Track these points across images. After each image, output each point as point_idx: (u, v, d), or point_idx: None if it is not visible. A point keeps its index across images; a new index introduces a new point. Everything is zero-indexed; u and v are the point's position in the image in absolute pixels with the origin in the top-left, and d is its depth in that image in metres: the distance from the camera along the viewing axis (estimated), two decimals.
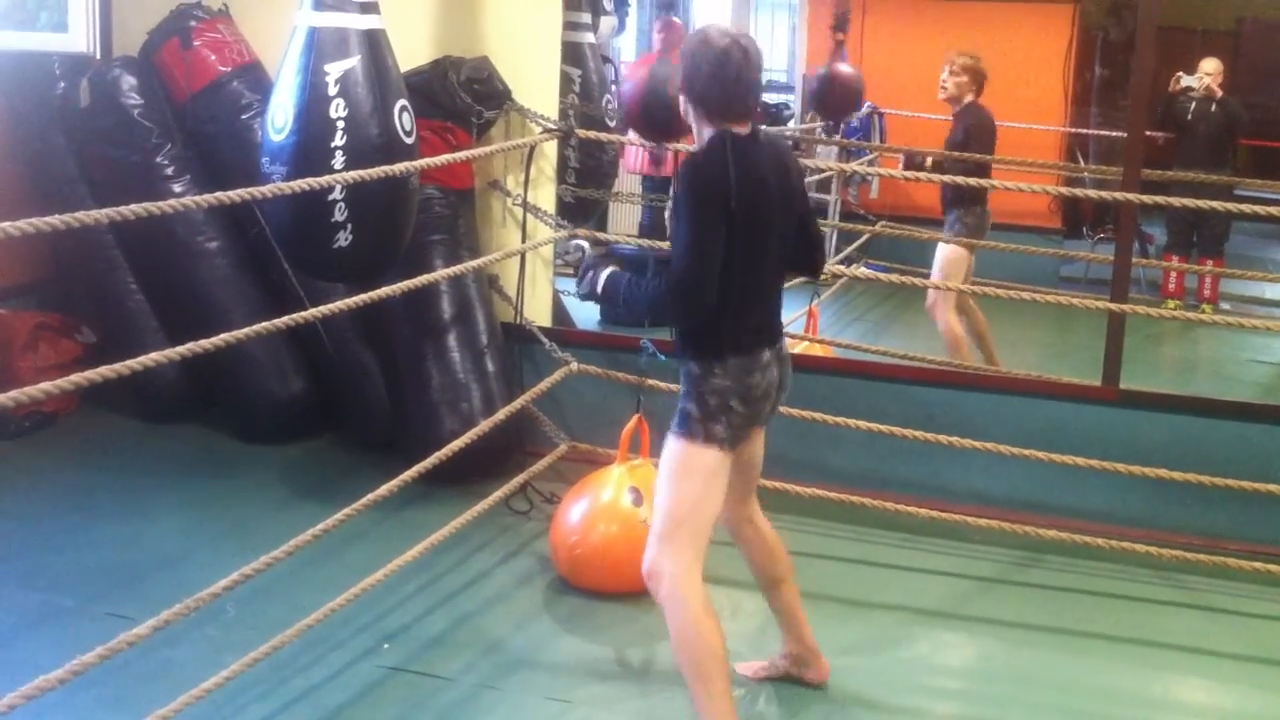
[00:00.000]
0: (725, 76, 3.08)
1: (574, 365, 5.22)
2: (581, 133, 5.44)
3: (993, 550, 4.71)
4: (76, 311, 5.95)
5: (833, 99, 8.84)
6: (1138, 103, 5.04)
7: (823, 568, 4.57)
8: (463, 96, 5.19)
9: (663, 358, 4.21)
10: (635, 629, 3.99)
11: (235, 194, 3.35)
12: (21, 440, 5.45)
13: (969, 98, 6.48)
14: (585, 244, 3.61)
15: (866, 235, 8.90)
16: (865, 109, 9.86)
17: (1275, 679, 3.94)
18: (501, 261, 5.33)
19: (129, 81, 5.45)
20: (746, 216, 3.06)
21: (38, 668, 2.74)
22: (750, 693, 3.65)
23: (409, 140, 4.34)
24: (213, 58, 5.44)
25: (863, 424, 4.79)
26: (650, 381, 4.78)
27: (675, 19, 7.96)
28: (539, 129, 5.39)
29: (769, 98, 11.76)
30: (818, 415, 4.85)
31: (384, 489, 3.91)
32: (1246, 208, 4.50)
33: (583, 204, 6.04)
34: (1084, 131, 10.47)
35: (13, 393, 2.53)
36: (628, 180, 8.28)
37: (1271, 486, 4.54)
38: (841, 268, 6.67)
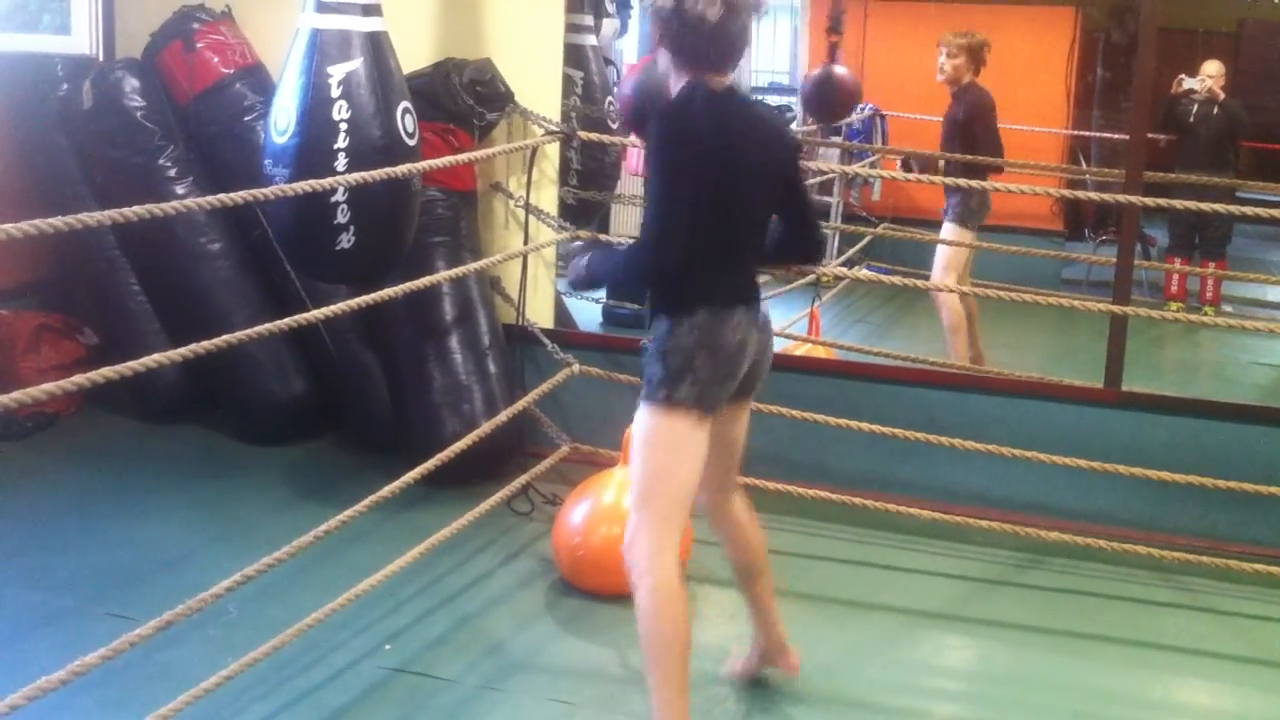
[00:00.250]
0: (702, 22, 2.99)
1: (576, 367, 5.23)
2: (584, 135, 5.45)
3: (994, 552, 4.71)
4: (78, 312, 5.96)
5: (825, 101, 8.82)
6: (1139, 105, 5.04)
7: (824, 569, 4.58)
8: (465, 98, 5.20)
9: None
10: (637, 630, 3.98)
11: (238, 196, 3.35)
12: (24, 441, 5.45)
13: (967, 78, 6.45)
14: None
15: (869, 237, 8.89)
16: (867, 111, 9.86)
17: (1277, 681, 3.93)
18: (503, 263, 5.34)
19: (131, 83, 5.46)
20: (716, 170, 3.00)
21: (39, 668, 2.74)
22: (748, 695, 3.65)
23: (411, 142, 4.35)
24: (215, 60, 5.44)
25: (864, 425, 4.79)
26: None
27: None
28: (541, 131, 5.40)
29: (770, 100, 11.78)
30: (819, 417, 4.85)
31: (385, 490, 3.91)
32: (1249, 210, 4.50)
33: (585, 206, 6.05)
34: (1086, 134, 10.47)
35: (15, 394, 2.54)
36: (630, 182, 8.28)
37: (1273, 488, 4.53)
38: (844, 269, 6.68)
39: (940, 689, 3.87)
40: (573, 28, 5.83)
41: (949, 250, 6.52)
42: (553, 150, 5.56)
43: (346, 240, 4.24)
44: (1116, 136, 9.69)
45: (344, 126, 4.15)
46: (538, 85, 5.46)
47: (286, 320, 3.56)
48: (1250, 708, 3.79)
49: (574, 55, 5.87)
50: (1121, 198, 4.69)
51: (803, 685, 3.70)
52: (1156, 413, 4.87)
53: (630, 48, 8.80)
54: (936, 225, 6.81)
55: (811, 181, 9.13)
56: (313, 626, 3.50)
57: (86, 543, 4.49)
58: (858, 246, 8.99)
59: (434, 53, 5.39)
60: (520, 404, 4.98)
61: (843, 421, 4.83)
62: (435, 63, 5.30)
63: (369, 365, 5.35)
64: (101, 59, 5.67)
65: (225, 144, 5.43)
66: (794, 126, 10.77)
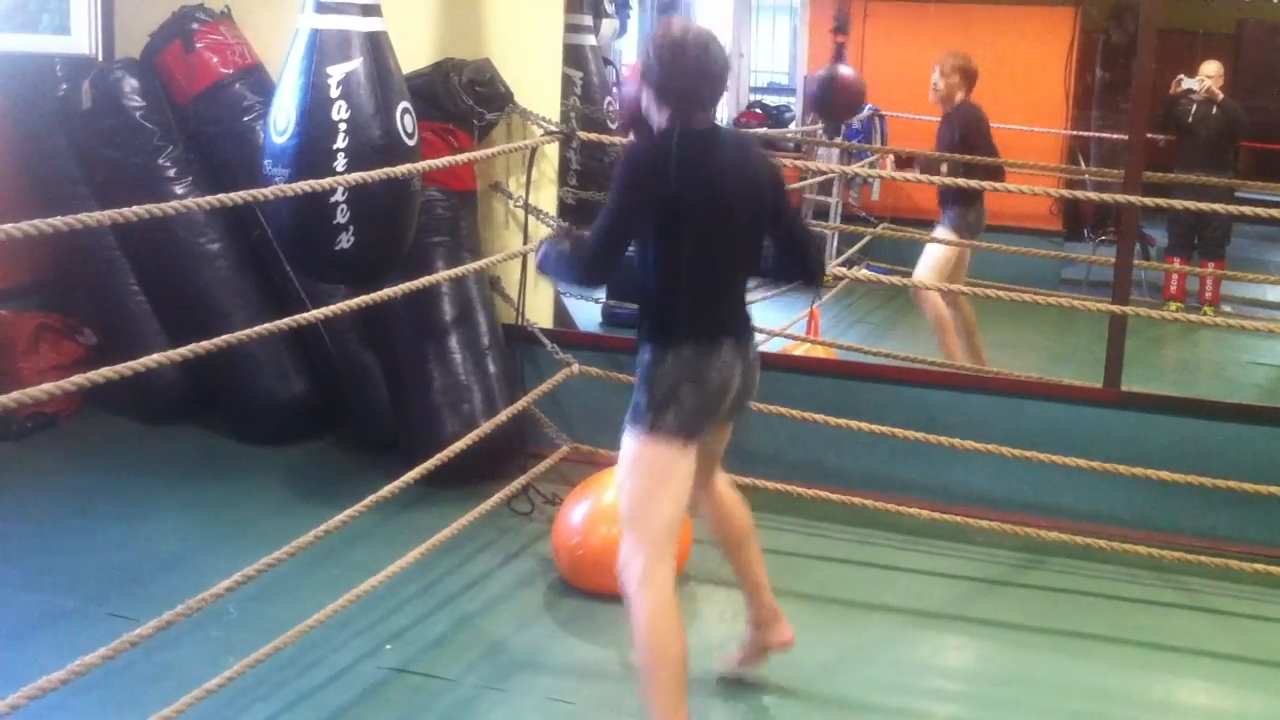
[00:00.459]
0: (683, 65, 3.09)
1: (575, 367, 5.23)
2: (583, 135, 5.45)
3: (994, 552, 4.71)
4: (78, 313, 5.95)
5: (834, 101, 8.84)
6: (1139, 105, 5.04)
7: (824, 569, 4.58)
8: (464, 99, 5.20)
9: None
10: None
11: (237, 196, 3.36)
12: (23, 441, 5.45)
13: (960, 96, 6.48)
14: None
15: (868, 237, 8.90)
16: (867, 111, 9.87)
17: (1277, 681, 3.93)
18: (503, 263, 5.34)
19: (131, 83, 5.46)
20: (695, 207, 3.05)
21: (40, 669, 2.74)
22: (747, 696, 3.65)
23: (411, 142, 4.35)
24: (215, 60, 5.44)
25: (864, 425, 4.79)
26: None
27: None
28: (540, 131, 5.40)
29: (770, 100, 11.79)
30: (819, 417, 4.85)
31: (385, 490, 3.91)
32: (1248, 210, 4.50)
33: (584, 206, 6.04)
34: (1085, 134, 10.48)
35: (14, 394, 2.54)
36: None
37: (1273, 488, 4.53)
38: (843, 270, 6.68)
39: (940, 689, 3.87)
40: (572, 28, 5.84)
41: (937, 258, 6.52)
42: (552, 150, 5.56)
43: (346, 240, 4.24)
44: (1115, 137, 9.70)
45: (343, 127, 4.15)
46: (537, 85, 5.47)
47: (286, 320, 3.56)
48: (1250, 708, 3.79)
49: (573, 55, 5.87)
50: (1121, 198, 4.70)
51: (803, 685, 3.70)
52: (1156, 413, 4.87)
53: (629, 48, 8.81)
54: (935, 225, 6.80)
55: (811, 181, 9.21)
56: (313, 627, 3.50)
57: (87, 543, 4.49)
58: (857, 247, 9.00)
59: (433, 53, 5.39)
60: (520, 404, 4.98)
61: (842, 421, 4.83)
62: (434, 63, 5.30)
63: (369, 365, 5.35)
64: (101, 59, 5.67)
65: (225, 144, 5.43)
66: (793, 126, 10.81)
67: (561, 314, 5.94)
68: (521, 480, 4.80)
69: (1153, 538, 4.67)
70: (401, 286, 4.18)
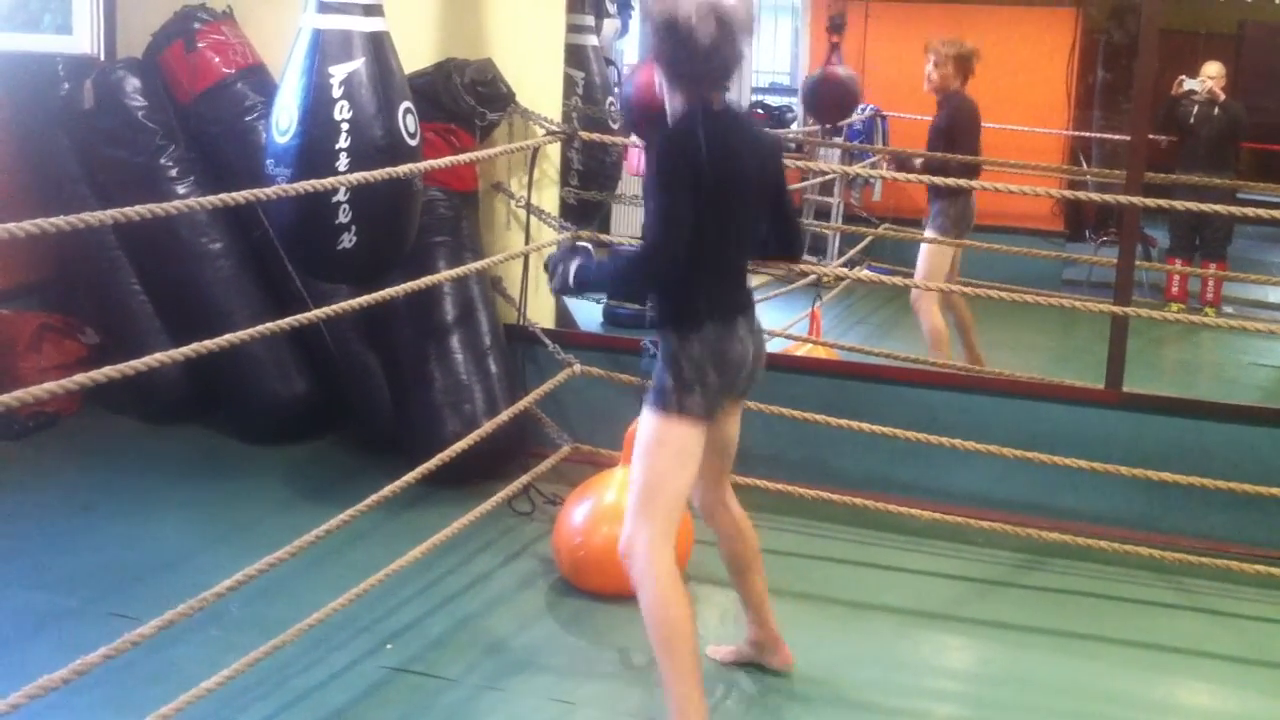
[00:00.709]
0: (697, 43, 3.04)
1: (577, 367, 5.23)
2: (585, 135, 5.46)
3: (995, 553, 4.71)
4: (80, 312, 5.96)
5: (825, 102, 8.83)
6: (1140, 106, 5.04)
7: (825, 570, 4.58)
8: (466, 99, 5.20)
9: None
10: (638, 630, 3.95)
11: (239, 195, 3.36)
12: (25, 440, 5.45)
13: (954, 86, 6.46)
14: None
15: (869, 238, 8.90)
16: (868, 112, 9.87)
17: (1277, 682, 3.93)
18: (504, 263, 5.34)
19: (133, 83, 5.46)
20: (719, 188, 3.07)
21: (41, 668, 2.74)
22: (748, 695, 3.65)
23: (413, 142, 4.35)
24: (216, 59, 5.44)
25: (865, 426, 4.79)
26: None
27: None
28: (542, 131, 5.40)
29: (771, 100, 11.79)
30: (820, 418, 4.85)
31: (386, 490, 3.91)
32: (1249, 211, 4.49)
33: (586, 206, 6.06)
34: (1087, 134, 10.48)
35: (16, 393, 2.54)
36: (630, 182, 8.29)
37: (1274, 490, 4.53)
38: (844, 270, 6.68)
39: (940, 689, 3.87)
40: (574, 28, 5.84)
41: (928, 263, 6.51)
42: (554, 150, 5.57)
43: (348, 240, 4.24)
44: (1117, 137, 9.70)
45: (345, 126, 4.16)
46: (539, 85, 5.47)
47: (288, 320, 3.56)
48: (1250, 709, 3.79)
49: (575, 55, 5.88)
50: (1122, 198, 4.69)
51: (803, 686, 3.70)
52: (1157, 414, 4.87)
53: (631, 48, 8.80)
54: (924, 225, 6.81)
55: (812, 182, 9.21)
56: (314, 626, 3.50)
57: (88, 542, 4.49)
58: (858, 247, 9.01)
59: (435, 53, 5.39)
60: (521, 404, 4.98)
61: (844, 422, 4.83)
62: (437, 63, 5.30)
63: (370, 365, 5.35)
64: (103, 59, 5.67)
65: (227, 144, 5.43)
66: (794, 128, 10.80)
67: (563, 314, 5.94)
68: (523, 480, 4.80)
69: (1153, 539, 4.66)
70: (403, 286, 4.18)
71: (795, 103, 11.43)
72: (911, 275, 6.54)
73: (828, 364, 5.78)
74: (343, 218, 4.20)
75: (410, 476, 4.07)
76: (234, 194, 3.34)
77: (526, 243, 5.46)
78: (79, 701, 3.28)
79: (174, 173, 5.45)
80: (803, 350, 6.18)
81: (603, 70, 6.23)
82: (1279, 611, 4.35)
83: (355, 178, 3.91)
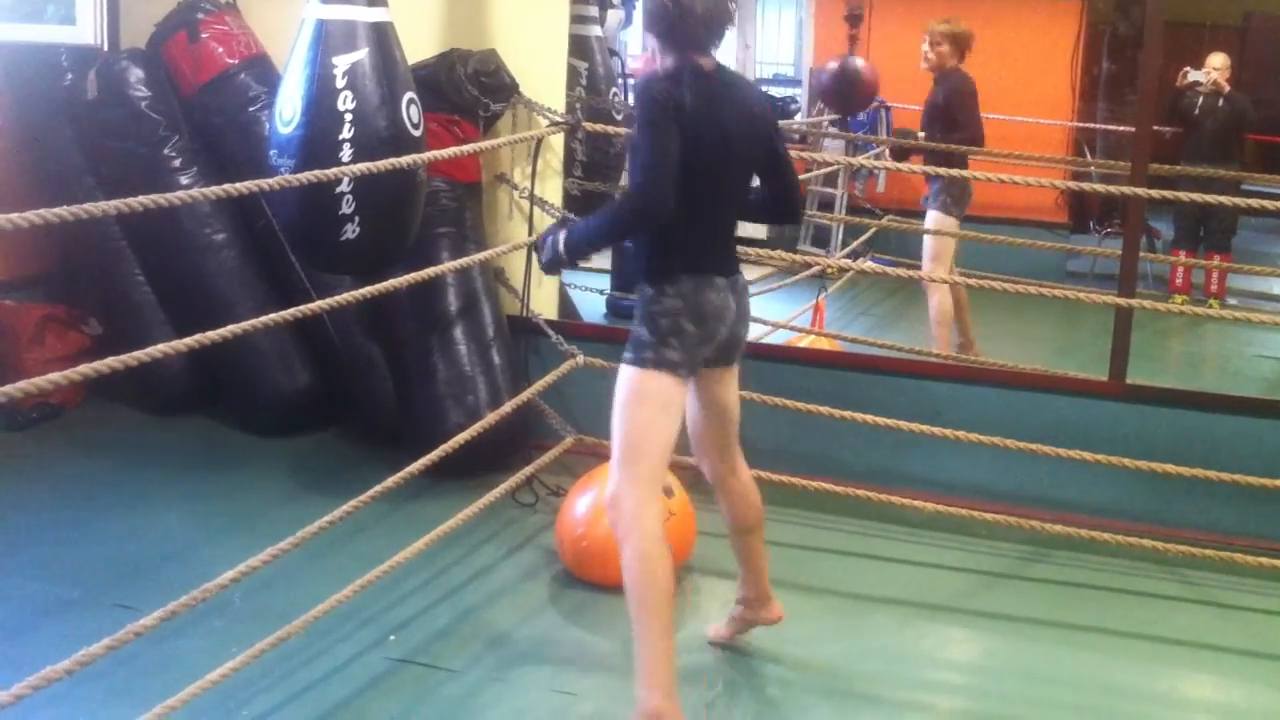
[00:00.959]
0: (691, 11, 3.15)
1: (580, 358, 5.22)
2: (588, 125, 5.45)
3: (999, 545, 4.71)
4: (83, 303, 5.96)
5: (851, 93, 8.83)
6: (1145, 98, 5.03)
7: (828, 562, 4.58)
8: (470, 89, 5.19)
9: None
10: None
11: (242, 186, 3.35)
12: (28, 432, 5.46)
13: (951, 64, 6.47)
14: None
15: (873, 229, 8.90)
16: (872, 102, 9.85)
17: None
18: (508, 254, 5.33)
19: (136, 74, 5.46)
20: (698, 140, 3.12)
21: (45, 659, 2.74)
22: (751, 687, 3.65)
23: (416, 133, 4.35)
24: (220, 50, 5.43)
25: (869, 418, 4.79)
26: None
27: None
28: (546, 122, 5.39)
29: (775, 91, 11.77)
30: (824, 409, 4.85)
31: (390, 481, 3.91)
32: (1254, 203, 4.48)
33: (589, 197, 6.05)
34: (1091, 126, 10.45)
35: (19, 384, 2.54)
36: None
37: (1278, 482, 4.53)
38: (848, 261, 6.67)
39: (943, 682, 3.87)
40: (577, 18, 5.83)
41: (937, 240, 6.53)
42: (557, 141, 5.56)
43: (351, 231, 4.24)
44: (1122, 129, 9.67)
45: (349, 117, 4.15)
46: (542, 76, 5.46)
47: (291, 311, 3.56)
48: (1255, 701, 3.78)
49: (579, 46, 5.87)
50: (1127, 190, 4.68)
51: (807, 678, 3.70)
52: (1161, 406, 4.87)
53: (635, 39, 8.80)
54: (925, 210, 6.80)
55: (816, 173, 9.20)
56: (318, 618, 3.50)
57: (91, 534, 4.49)
58: (862, 239, 9.00)
59: (439, 43, 5.38)
60: (524, 395, 4.98)
61: (847, 414, 4.83)
62: (440, 53, 5.30)
63: (373, 356, 5.35)
64: (106, 49, 5.67)
65: (230, 135, 5.42)
66: (799, 118, 10.79)
67: (566, 305, 5.94)
68: (526, 472, 4.80)
69: (1157, 531, 4.66)
70: (406, 277, 4.17)
71: (799, 94, 11.41)
72: (916, 267, 6.54)
73: (832, 356, 5.78)
74: (346, 209, 4.20)
75: (413, 468, 4.07)
76: (237, 185, 3.33)
77: (530, 234, 5.46)
78: (82, 693, 3.29)
79: (177, 163, 5.44)
80: (807, 342, 6.18)
81: (606, 61, 6.22)
82: None
83: (359, 168, 3.90)
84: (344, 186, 4.16)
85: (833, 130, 9.73)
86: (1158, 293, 8.51)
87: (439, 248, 5.13)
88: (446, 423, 4.89)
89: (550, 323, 5.43)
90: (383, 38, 4.24)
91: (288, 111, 4.19)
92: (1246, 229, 9.43)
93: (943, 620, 4.21)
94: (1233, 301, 8.60)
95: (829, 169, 9.18)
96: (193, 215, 5.34)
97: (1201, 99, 8.64)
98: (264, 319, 3.42)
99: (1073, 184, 5.81)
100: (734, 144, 3.24)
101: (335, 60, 4.15)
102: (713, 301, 3.24)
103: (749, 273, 3.71)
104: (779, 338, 6.13)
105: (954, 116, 6.49)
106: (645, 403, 3.23)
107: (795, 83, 11.83)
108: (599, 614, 4.06)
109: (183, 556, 4.31)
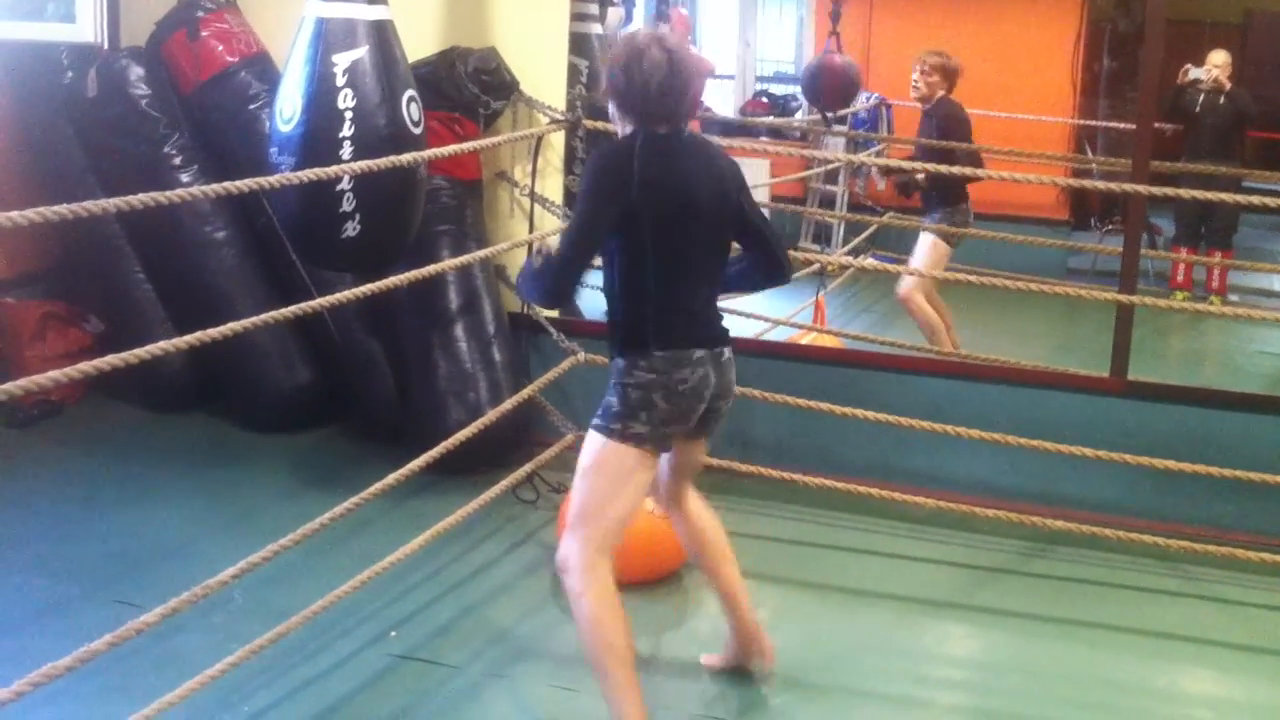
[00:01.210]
0: (645, 81, 3.07)
1: (581, 355, 5.22)
2: (589, 123, 5.44)
3: (1000, 541, 4.71)
4: (83, 301, 5.96)
5: (825, 89, 8.82)
6: (1146, 95, 5.02)
7: (829, 558, 4.58)
8: (470, 87, 5.19)
9: None
10: (640, 618, 3.97)
11: (243, 184, 3.35)
12: (29, 429, 5.46)
13: (940, 94, 6.50)
14: None
15: (874, 226, 8.89)
16: (873, 100, 9.86)
17: None
18: (508, 252, 5.33)
19: (136, 72, 5.46)
20: (659, 212, 3.05)
21: (45, 655, 2.75)
22: (751, 686, 3.65)
23: (417, 131, 4.35)
24: (220, 48, 5.44)
25: (870, 415, 4.79)
26: None
27: (682, 10, 7.96)
28: (546, 120, 5.39)
29: (776, 89, 11.77)
30: (825, 406, 4.85)
31: (391, 478, 3.91)
32: (1255, 199, 4.48)
33: None
34: (1092, 123, 10.45)
35: (20, 381, 2.54)
36: None
37: (1279, 477, 4.53)
38: (849, 259, 6.67)
39: (944, 678, 3.87)
40: (578, 16, 5.83)
41: (926, 258, 6.51)
42: (558, 139, 5.56)
43: (352, 228, 4.24)
44: (1123, 126, 9.67)
45: (349, 115, 4.15)
46: (543, 74, 5.46)
47: (292, 308, 3.56)
48: (1256, 696, 3.78)
49: (579, 44, 5.86)
50: (1128, 187, 4.68)
51: (807, 674, 3.71)
52: (1162, 402, 4.87)
53: None
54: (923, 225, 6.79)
55: (818, 170, 9.20)
56: (318, 614, 3.51)
57: (92, 531, 4.49)
58: (863, 236, 9.00)
59: (439, 41, 5.38)
60: (525, 392, 4.98)
61: (848, 410, 4.83)
62: (440, 51, 5.30)
63: (374, 354, 5.36)
64: (106, 47, 5.67)
65: (230, 132, 5.43)
66: (799, 116, 10.79)
67: None
68: (527, 468, 4.81)
69: (1158, 527, 4.66)
70: (407, 275, 4.17)
71: (800, 91, 11.41)
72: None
73: (832, 352, 5.78)
74: (346, 206, 4.20)
75: (414, 465, 4.07)
76: (237, 183, 3.33)
77: (530, 231, 5.46)
78: (83, 689, 3.29)
79: (177, 161, 5.45)
80: (807, 339, 6.18)
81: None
82: None
83: (359, 166, 3.90)
84: (344, 184, 4.15)
85: (822, 129, 9.73)
86: (1159, 289, 8.51)
87: (439, 245, 5.13)
88: (447, 420, 4.90)
89: (551, 320, 5.43)
90: (383, 35, 4.23)
91: (288, 109, 4.19)
92: (1247, 226, 9.41)
93: (944, 616, 4.21)
94: (1234, 298, 8.59)
95: (829, 166, 9.18)
96: (193, 213, 5.35)
97: (1203, 96, 8.63)
98: (264, 316, 3.42)
99: (1074, 181, 5.83)
100: (700, 209, 3.12)
101: (335, 58, 4.15)
102: (688, 379, 3.11)
103: None
104: (780, 334, 6.13)
105: (950, 151, 6.45)
106: (604, 473, 3.14)
107: (796, 80, 11.82)
108: None
109: (183, 553, 4.32)
